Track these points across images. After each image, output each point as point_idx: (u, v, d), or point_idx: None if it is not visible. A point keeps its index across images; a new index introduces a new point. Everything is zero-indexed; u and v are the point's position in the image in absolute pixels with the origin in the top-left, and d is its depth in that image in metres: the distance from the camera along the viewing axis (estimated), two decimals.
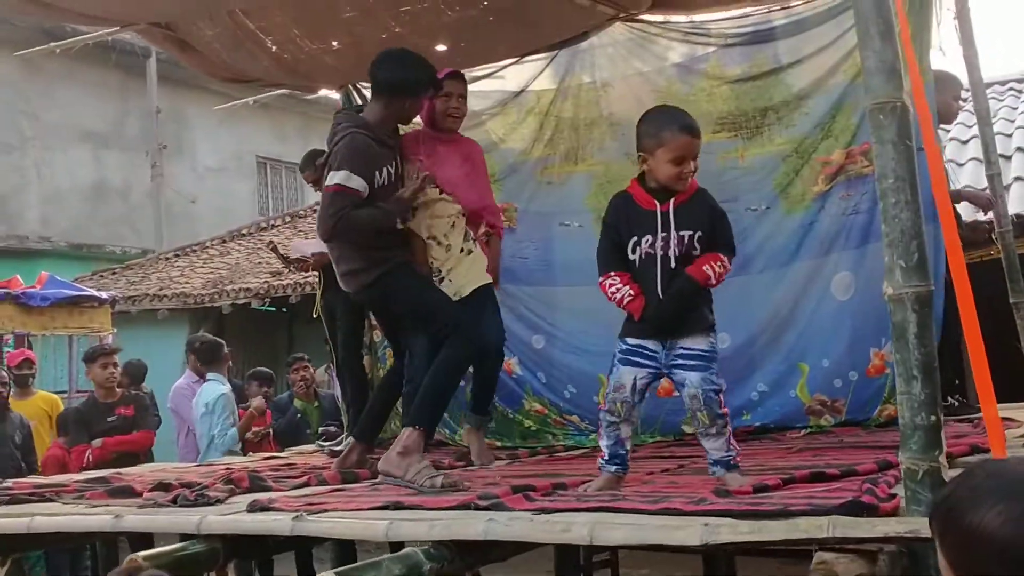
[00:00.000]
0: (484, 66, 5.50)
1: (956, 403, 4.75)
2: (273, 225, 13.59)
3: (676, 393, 4.87)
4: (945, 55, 4.98)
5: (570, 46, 5.32)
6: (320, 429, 6.07)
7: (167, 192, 16.92)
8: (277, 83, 5.68)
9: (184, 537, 2.71)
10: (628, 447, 2.99)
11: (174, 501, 3.12)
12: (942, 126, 4.82)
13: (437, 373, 3.62)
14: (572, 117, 5.45)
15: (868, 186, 4.52)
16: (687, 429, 4.86)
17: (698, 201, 2.98)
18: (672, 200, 2.93)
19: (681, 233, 2.90)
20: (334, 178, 3.60)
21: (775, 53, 4.83)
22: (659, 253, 2.90)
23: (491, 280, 4.14)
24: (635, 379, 2.92)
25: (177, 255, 13.24)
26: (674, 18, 5.19)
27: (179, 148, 17.77)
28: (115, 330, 8.78)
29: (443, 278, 3.98)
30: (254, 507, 2.81)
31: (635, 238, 2.94)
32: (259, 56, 5.08)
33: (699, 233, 2.91)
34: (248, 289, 10.26)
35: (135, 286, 11.46)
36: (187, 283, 11.10)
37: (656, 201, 2.94)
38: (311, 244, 5.69)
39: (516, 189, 5.49)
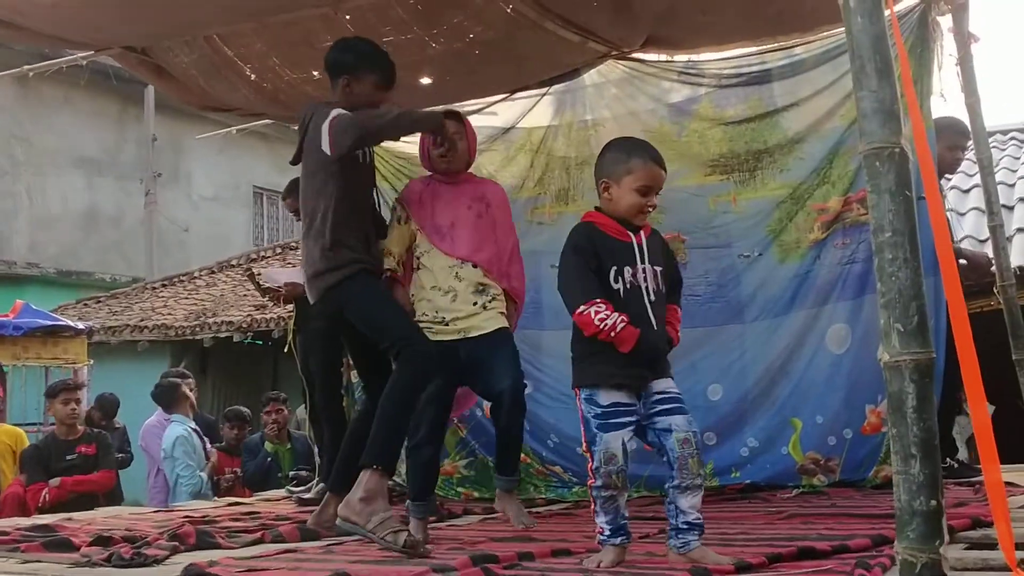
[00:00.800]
0: (473, 101, 5.33)
1: (955, 464, 4.53)
2: (263, 256, 13.39)
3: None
4: (946, 101, 4.82)
5: (561, 83, 5.15)
6: (291, 473, 5.81)
7: (160, 220, 16.76)
8: (258, 112, 5.50)
9: None
10: (627, 513, 2.75)
11: (108, 560, 2.88)
12: (944, 176, 4.63)
13: (386, 402, 3.32)
14: (564, 156, 5.26)
15: (866, 235, 4.33)
16: None
17: (656, 238, 2.86)
18: (638, 233, 2.79)
19: (655, 267, 2.76)
20: (335, 111, 3.37)
21: (771, 95, 4.66)
22: (643, 285, 2.72)
23: (507, 325, 3.76)
24: (623, 443, 2.63)
25: (164, 284, 13.03)
26: (668, 57, 5.04)
27: (175, 176, 17.66)
28: (91, 362, 8.55)
29: (445, 321, 3.66)
30: (189, 573, 2.57)
31: (615, 267, 2.72)
32: (238, 84, 4.90)
33: (660, 269, 2.79)
34: (231, 322, 10.04)
35: (117, 316, 11.23)
36: (170, 314, 10.88)
37: (629, 232, 2.77)
38: (284, 273, 5.49)
39: None
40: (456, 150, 3.78)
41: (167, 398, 6.30)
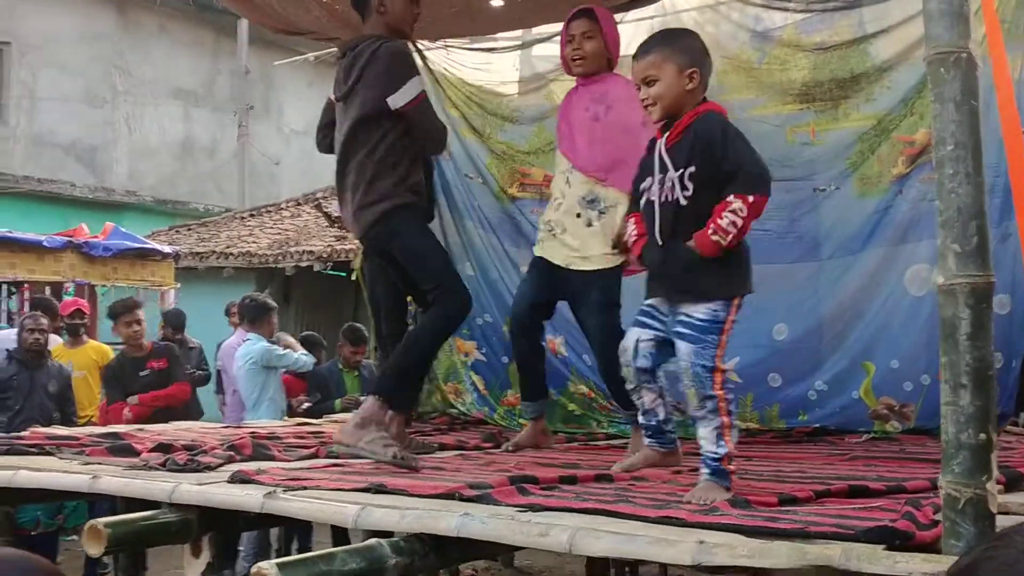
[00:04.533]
0: (547, 28, 5.20)
1: None
2: None
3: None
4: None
5: (644, 5, 4.96)
6: (360, 396, 5.89)
7: (252, 152, 17.06)
8: (332, 37, 5.45)
9: (157, 505, 2.53)
10: (661, 417, 2.68)
11: (163, 464, 2.95)
12: None
13: (410, 340, 3.39)
14: None
15: None
16: (738, 424, 4.51)
17: (694, 129, 2.51)
18: (667, 133, 2.58)
19: (677, 171, 2.51)
20: (414, 87, 3.30)
21: (860, 20, 4.39)
22: (655, 198, 2.57)
23: (615, 265, 3.45)
24: (637, 340, 2.62)
25: (252, 214, 13.29)
26: None
27: (267, 109, 17.92)
28: (178, 285, 8.79)
29: (552, 231, 3.59)
30: (235, 479, 2.62)
31: (641, 183, 2.66)
32: (310, 5, 4.86)
33: (686, 171, 2.48)
34: (311, 252, 10.18)
35: (205, 243, 11.52)
36: (255, 243, 11.10)
37: (663, 136, 2.60)
38: None
39: None
40: (584, 51, 3.62)
41: (253, 313, 6.38)
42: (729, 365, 4.64)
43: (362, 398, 6.61)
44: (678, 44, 2.62)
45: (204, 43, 17.11)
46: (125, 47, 16.03)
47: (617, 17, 5.10)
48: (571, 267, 3.52)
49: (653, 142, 2.67)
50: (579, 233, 3.50)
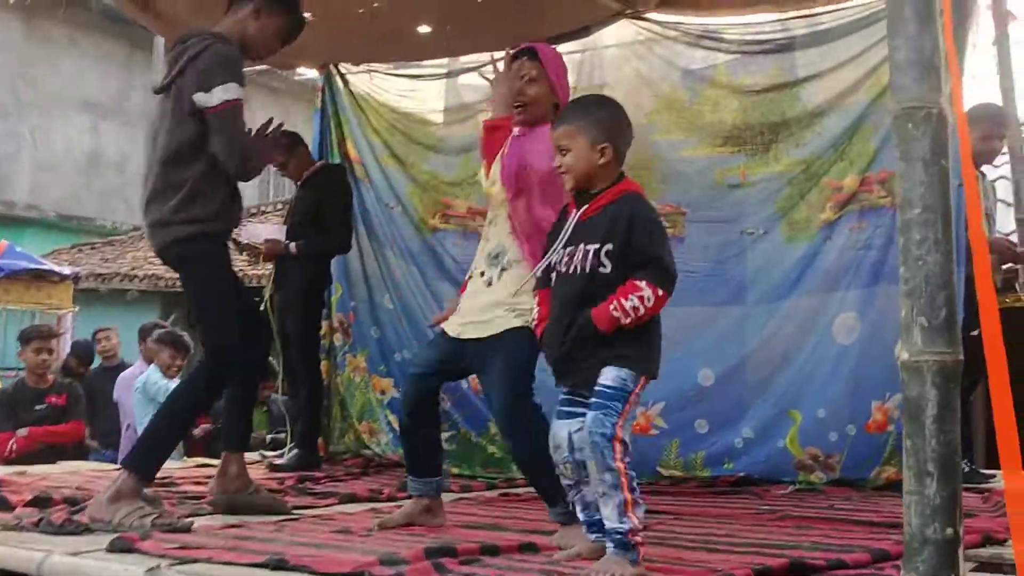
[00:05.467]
0: (474, 57, 5.04)
1: (965, 468, 4.26)
2: (264, 211, 13.09)
3: (652, 431, 4.53)
4: (975, 81, 4.49)
5: (570, 40, 4.84)
6: (268, 437, 5.58)
7: None
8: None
9: None
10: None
11: (37, 524, 2.64)
12: (979, 168, 4.27)
13: (167, 405, 3.14)
14: None
15: (884, 219, 4.07)
16: (662, 471, 4.40)
17: (615, 209, 2.42)
18: (584, 207, 2.47)
19: (586, 247, 2.41)
20: (228, 91, 2.98)
21: (792, 65, 4.37)
22: (560, 268, 2.46)
23: (511, 327, 2.85)
24: (569, 433, 2.44)
25: None
26: (685, 20, 4.72)
27: None
28: (76, 308, 8.31)
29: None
30: (114, 547, 2.34)
31: (552, 252, 2.50)
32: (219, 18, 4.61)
33: (607, 247, 2.38)
34: None
35: (108, 263, 10.98)
36: (161, 264, 10.63)
37: (575, 209, 2.50)
38: (265, 229, 5.22)
39: None
40: (526, 96, 2.98)
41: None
42: (653, 410, 4.54)
43: (270, 436, 6.32)
44: (592, 116, 2.50)
45: (116, 56, 16.52)
46: (32, 58, 15.37)
47: None
48: (463, 336, 2.96)
49: (564, 212, 2.56)
50: (477, 294, 2.98)
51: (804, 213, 4.19)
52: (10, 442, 5.55)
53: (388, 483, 4.17)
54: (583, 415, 2.34)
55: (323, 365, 5.24)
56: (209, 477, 4.12)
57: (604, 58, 4.87)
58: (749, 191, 4.29)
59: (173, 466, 4.82)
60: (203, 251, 3.07)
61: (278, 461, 4.81)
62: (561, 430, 2.45)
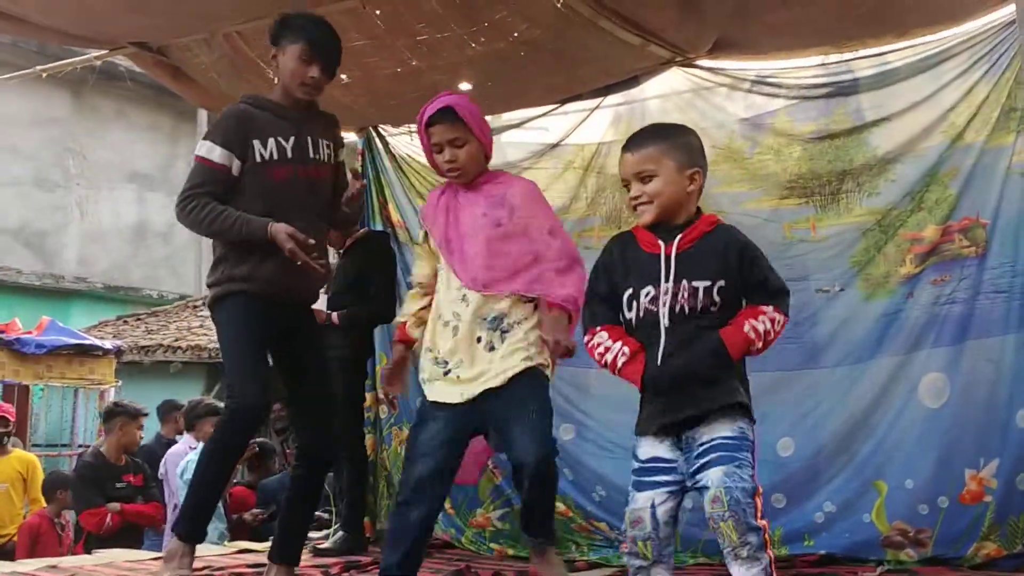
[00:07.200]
0: (521, 112, 4.86)
1: None
2: None
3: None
4: None
5: (617, 92, 4.64)
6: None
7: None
8: None
9: None
10: None
11: None
12: None
13: (199, 462, 3.30)
14: (617, 175, 4.72)
15: (969, 270, 3.77)
16: None
17: (713, 240, 2.29)
18: (678, 238, 2.28)
19: (692, 284, 2.23)
20: (200, 147, 3.22)
21: (858, 108, 4.10)
22: (661, 308, 2.24)
23: (530, 366, 2.81)
24: (653, 506, 2.21)
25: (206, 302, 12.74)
26: (738, 65, 4.49)
27: None
28: (119, 383, 8.19)
29: (448, 370, 2.87)
30: None
31: (631, 289, 2.29)
32: (261, 89, 4.47)
33: (706, 285, 2.23)
34: None
35: (152, 335, 10.92)
36: (205, 334, 10.49)
37: (661, 241, 2.29)
38: None
39: None
40: (459, 161, 2.95)
41: (192, 418, 5.93)
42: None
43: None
44: (678, 139, 2.31)
45: (162, 127, 16.79)
46: (80, 130, 15.65)
47: (591, 103, 4.81)
48: (478, 393, 2.81)
49: (632, 244, 2.34)
50: (479, 360, 2.83)
51: (882, 268, 3.90)
52: (107, 517, 5.61)
53: (439, 566, 3.89)
54: (669, 480, 2.16)
55: (368, 439, 5.00)
56: (251, 565, 3.88)
57: (648, 109, 4.66)
58: (820, 245, 4.01)
59: (213, 552, 4.58)
60: (225, 306, 3.19)
61: (322, 545, 4.54)
62: (643, 503, 2.23)
